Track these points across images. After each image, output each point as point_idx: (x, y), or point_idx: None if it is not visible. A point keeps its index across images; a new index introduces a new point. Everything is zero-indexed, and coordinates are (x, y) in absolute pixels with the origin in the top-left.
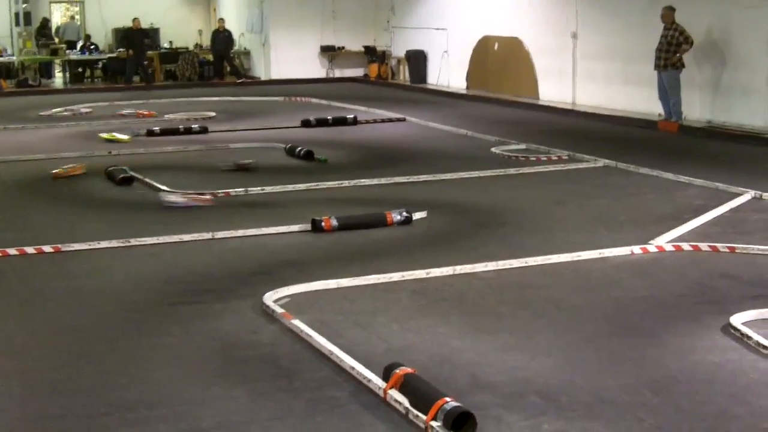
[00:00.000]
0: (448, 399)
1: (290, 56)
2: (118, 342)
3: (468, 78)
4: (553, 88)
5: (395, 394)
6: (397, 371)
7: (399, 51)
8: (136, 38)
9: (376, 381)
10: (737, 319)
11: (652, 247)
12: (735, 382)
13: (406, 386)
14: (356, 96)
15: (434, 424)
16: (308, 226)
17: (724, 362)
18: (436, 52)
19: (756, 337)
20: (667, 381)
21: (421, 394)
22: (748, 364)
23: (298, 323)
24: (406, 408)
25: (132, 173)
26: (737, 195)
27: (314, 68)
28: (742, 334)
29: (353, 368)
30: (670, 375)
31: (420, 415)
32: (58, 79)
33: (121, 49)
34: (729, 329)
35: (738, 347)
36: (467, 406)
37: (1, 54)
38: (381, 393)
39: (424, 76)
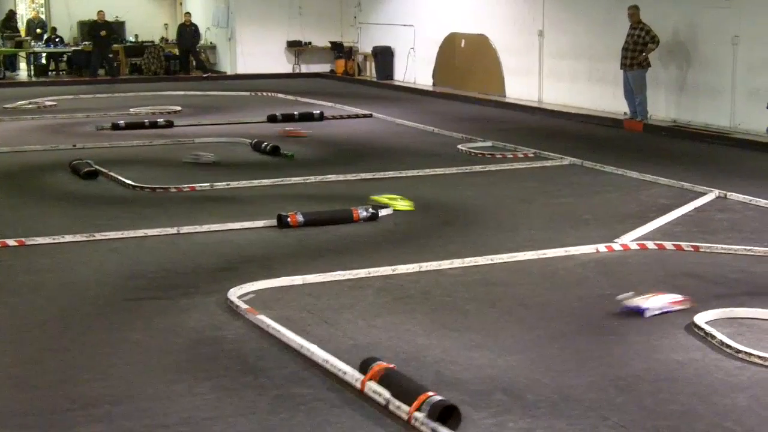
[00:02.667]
0: (431, 393)
1: (256, 51)
2: (82, 337)
3: (435, 75)
4: (520, 86)
5: (374, 386)
6: (375, 365)
7: (366, 47)
8: (101, 31)
9: (353, 373)
10: (701, 318)
11: (617, 246)
12: (699, 381)
13: (386, 379)
14: (323, 91)
15: (418, 415)
16: (274, 222)
17: (688, 361)
18: (403, 48)
19: (720, 336)
20: (631, 379)
21: (403, 387)
22: (711, 363)
23: (264, 319)
24: (387, 399)
25: (97, 167)
26: (702, 194)
27: (281, 63)
28: (706, 333)
29: (327, 361)
30: (635, 373)
31: (402, 405)
32: (23, 71)
33: (86, 42)
34: (693, 328)
35: (702, 346)
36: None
37: None
38: (358, 385)
39: (390, 72)
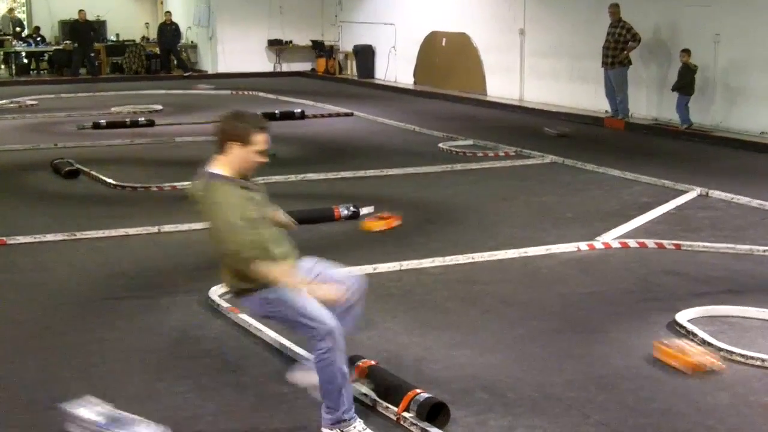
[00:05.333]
0: (419, 390)
1: (237, 50)
2: (63, 336)
3: (416, 73)
4: (501, 85)
5: (360, 386)
6: (360, 363)
7: (347, 46)
8: (83, 30)
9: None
10: (682, 317)
11: (598, 244)
12: (681, 380)
13: (371, 377)
14: (304, 90)
15: (407, 415)
16: None
17: None
18: (384, 47)
19: (701, 334)
20: (612, 377)
21: (389, 385)
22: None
23: (245, 318)
24: (374, 400)
25: (78, 166)
26: (683, 192)
27: (261, 62)
28: (688, 331)
29: (309, 360)
30: (616, 371)
31: (390, 406)
32: (3, 71)
33: (67, 42)
34: (674, 326)
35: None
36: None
37: None
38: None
39: (371, 71)
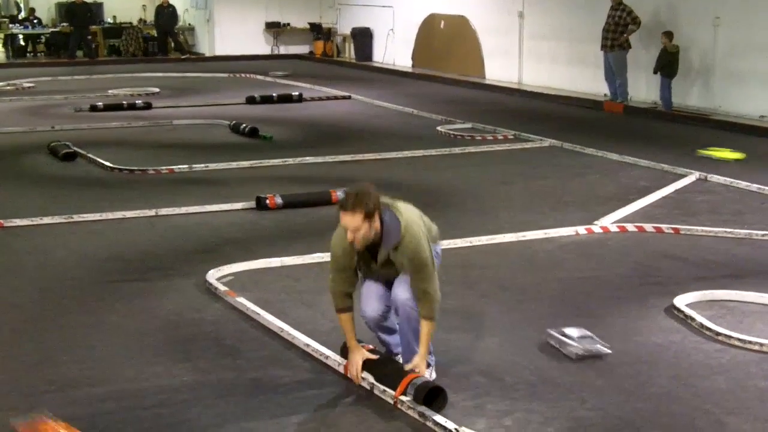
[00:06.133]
0: (415, 374)
1: (235, 32)
2: (60, 319)
3: (414, 56)
4: (500, 68)
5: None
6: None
7: (345, 28)
8: (80, 13)
9: (335, 357)
10: (681, 301)
11: (597, 228)
12: (678, 364)
13: (368, 362)
14: (301, 73)
15: (404, 398)
16: (252, 204)
17: (667, 344)
18: (382, 29)
19: (699, 318)
20: (610, 362)
21: (385, 370)
22: (691, 346)
23: (243, 301)
24: (371, 383)
25: (75, 149)
26: (682, 176)
27: (259, 45)
28: (686, 315)
29: (308, 345)
30: (614, 356)
31: (387, 390)
32: (0, 53)
33: (64, 24)
34: (673, 311)
35: (681, 329)
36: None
37: None
38: (341, 370)
39: (369, 53)
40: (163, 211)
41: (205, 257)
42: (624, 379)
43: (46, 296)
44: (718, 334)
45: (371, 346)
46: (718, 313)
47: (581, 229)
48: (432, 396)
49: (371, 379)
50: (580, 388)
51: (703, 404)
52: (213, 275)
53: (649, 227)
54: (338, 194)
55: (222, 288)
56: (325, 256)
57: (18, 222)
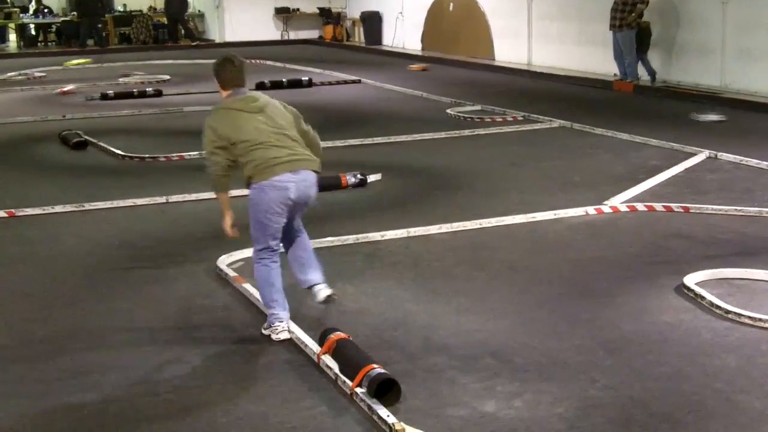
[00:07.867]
0: (375, 366)
1: (244, 18)
2: (72, 307)
3: (423, 39)
4: (509, 49)
5: (327, 360)
6: (332, 336)
7: (354, 12)
8: (90, 1)
9: (312, 346)
10: (691, 280)
11: (606, 208)
12: (688, 343)
13: (337, 352)
14: (311, 58)
15: (359, 390)
16: None
17: (677, 323)
18: (391, 13)
19: (709, 297)
20: (620, 341)
21: (350, 360)
22: (701, 325)
23: (252, 287)
24: (336, 374)
25: (86, 137)
26: (692, 155)
27: (269, 30)
28: (696, 294)
29: (293, 332)
30: (624, 335)
31: (347, 381)
32: (12, 43)
33: (74, 13)
34: (683, 289)
35: (691, 308)
36: (421, 369)
37: None
38: (315, 358)
39: (379, 37)
40: (174, 198)
41: (215, 243)
42: (634, 358)
43: (57, 284)
44: (728, 312)
45: (346, 335)
46: (728, 291)
47: (591, 210)
48: (385, 388)
49: (336, 369)
50: (590, 368)
51: (714, 382)
52: (224, 261)
53: (659, 206)
54: (348, 178)
55: (232, 274)
56: (335, 240)
57: (30, 211)
